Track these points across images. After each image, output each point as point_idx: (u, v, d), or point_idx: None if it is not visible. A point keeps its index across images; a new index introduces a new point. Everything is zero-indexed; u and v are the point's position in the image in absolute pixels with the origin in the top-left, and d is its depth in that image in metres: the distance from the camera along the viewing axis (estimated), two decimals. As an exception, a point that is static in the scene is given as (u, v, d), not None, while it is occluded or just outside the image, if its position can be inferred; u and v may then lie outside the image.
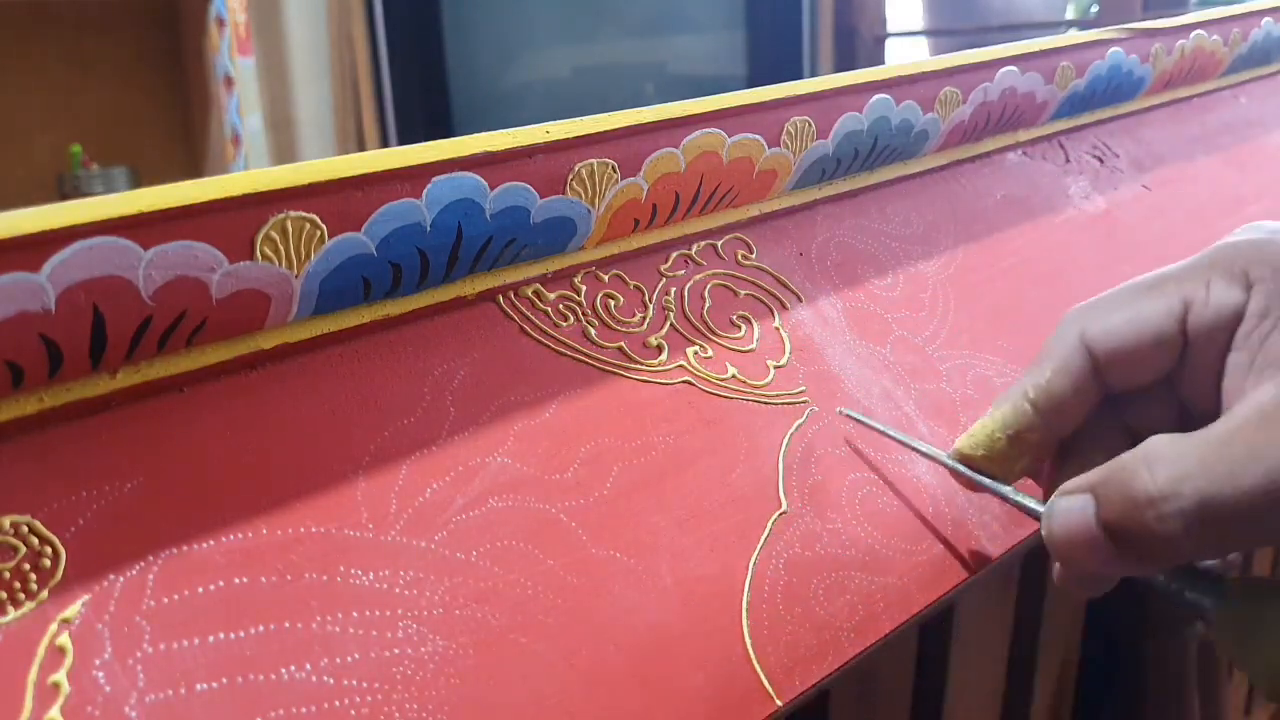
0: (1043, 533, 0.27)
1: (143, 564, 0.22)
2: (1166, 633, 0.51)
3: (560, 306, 0.31)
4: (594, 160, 0.31)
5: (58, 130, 1.51)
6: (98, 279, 0.22)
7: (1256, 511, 0.23)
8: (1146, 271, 0.29)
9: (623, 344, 0.31)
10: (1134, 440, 0.29)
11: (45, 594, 0.21)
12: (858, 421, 0.32)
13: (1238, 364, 0.26)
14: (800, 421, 0.32)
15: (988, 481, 0.29)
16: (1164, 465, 0.24)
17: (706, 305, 0.34)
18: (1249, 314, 0.26)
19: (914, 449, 0.31)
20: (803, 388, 0.33)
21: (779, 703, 0.26)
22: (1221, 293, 0.27)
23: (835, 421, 0.33)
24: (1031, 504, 0.28)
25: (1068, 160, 0.48)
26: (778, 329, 0.34)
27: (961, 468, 0.30)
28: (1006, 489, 0.29)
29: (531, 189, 0.29)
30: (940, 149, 0.43)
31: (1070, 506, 0.26)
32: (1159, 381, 0.28)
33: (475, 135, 0.28)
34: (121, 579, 0.22)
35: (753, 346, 0.34)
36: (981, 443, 0.29)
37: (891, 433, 0.31)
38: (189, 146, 1.64)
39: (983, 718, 0.43)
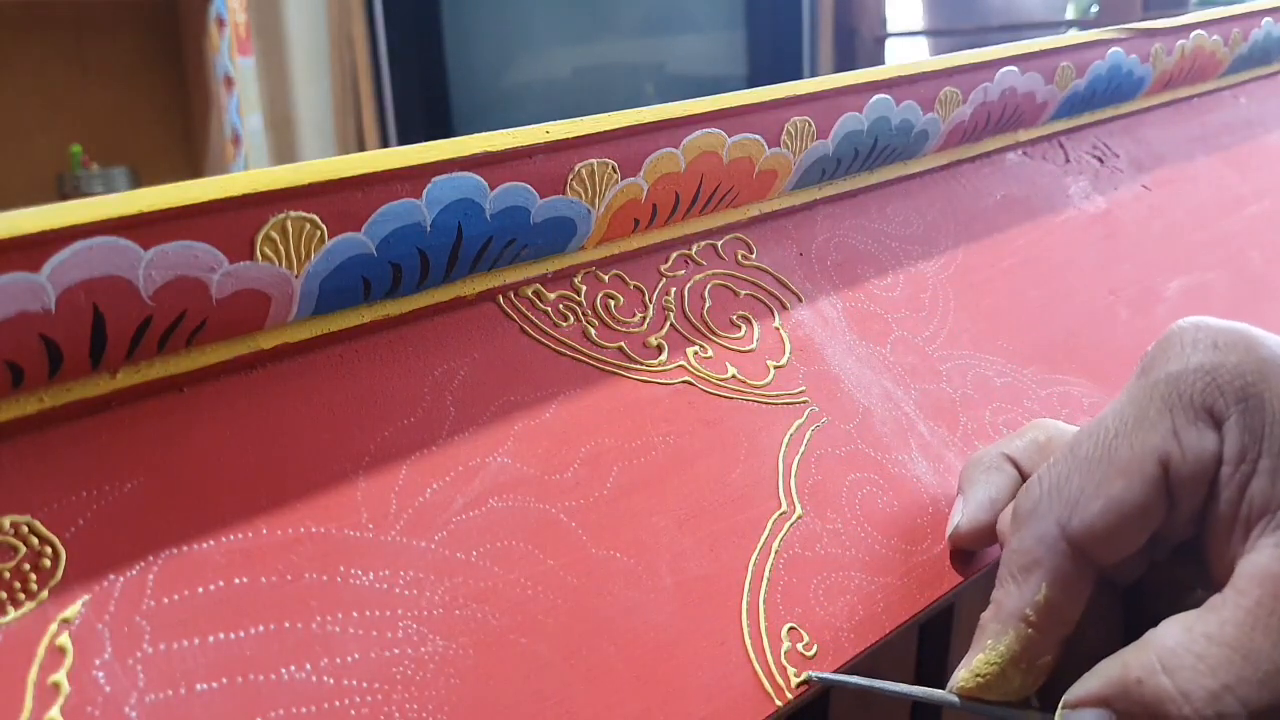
0: None
1: (143, 564, 0.22)
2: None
3: (560, 306, 0.31)
4: (594, 160, 0.31)
5: (58, 130, 1.51)
6: (98, 279, 0.22)
7: None
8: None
9: (623, 344, 0.31)
10: (1111, 589, 0.27)
11: (45, 594, 0.21)
12: (833, 682, 0.27)
13: (1223, 516, 0.24)
14: (800, 421, 0.32)
15: (1002, 711, 0.27)
16: (1190, 677, 0.23)
17: (706, 305, 0.34)
18: (1226, 458, 0.24)
19: (906, 696, 0.27)
20: (803, 388, 0.33)
21: (779, 703, 0.26)
22: (1194, 440, 0.25)
23: (835, 421, 0.33)
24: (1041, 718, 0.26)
25: (1068, 160, 0.48)
26: (778, 329, 0.34)
27: (972, 707, 0.27)
28: (1017, 713, 0.27)
29: (531, 189, 0.29)
30: (940, 149, 0.43)
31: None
32: (1143, 550, 0.26)
33: (475, 135, 0.28)
34: (121, 579, 0.22)
35: (753, 346, 0.34)
36: (993, 683, 0.26)
37: (874, 685, 0.27)
38: (189, 146, 1.64)
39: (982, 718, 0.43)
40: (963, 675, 0.27)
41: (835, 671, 0.27)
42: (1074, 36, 0.47)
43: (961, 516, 0.30)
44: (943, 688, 0.27)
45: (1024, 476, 0.29)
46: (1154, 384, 0.26)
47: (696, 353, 0.32)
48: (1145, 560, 0.27)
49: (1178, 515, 0.25)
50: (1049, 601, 0.25)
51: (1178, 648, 0.23)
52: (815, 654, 0.27)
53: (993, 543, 0.29)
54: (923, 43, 2.07)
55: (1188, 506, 0.25)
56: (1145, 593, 0.28)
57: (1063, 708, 0.25)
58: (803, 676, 0.27)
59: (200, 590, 0.23)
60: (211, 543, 0.23)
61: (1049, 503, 0.26)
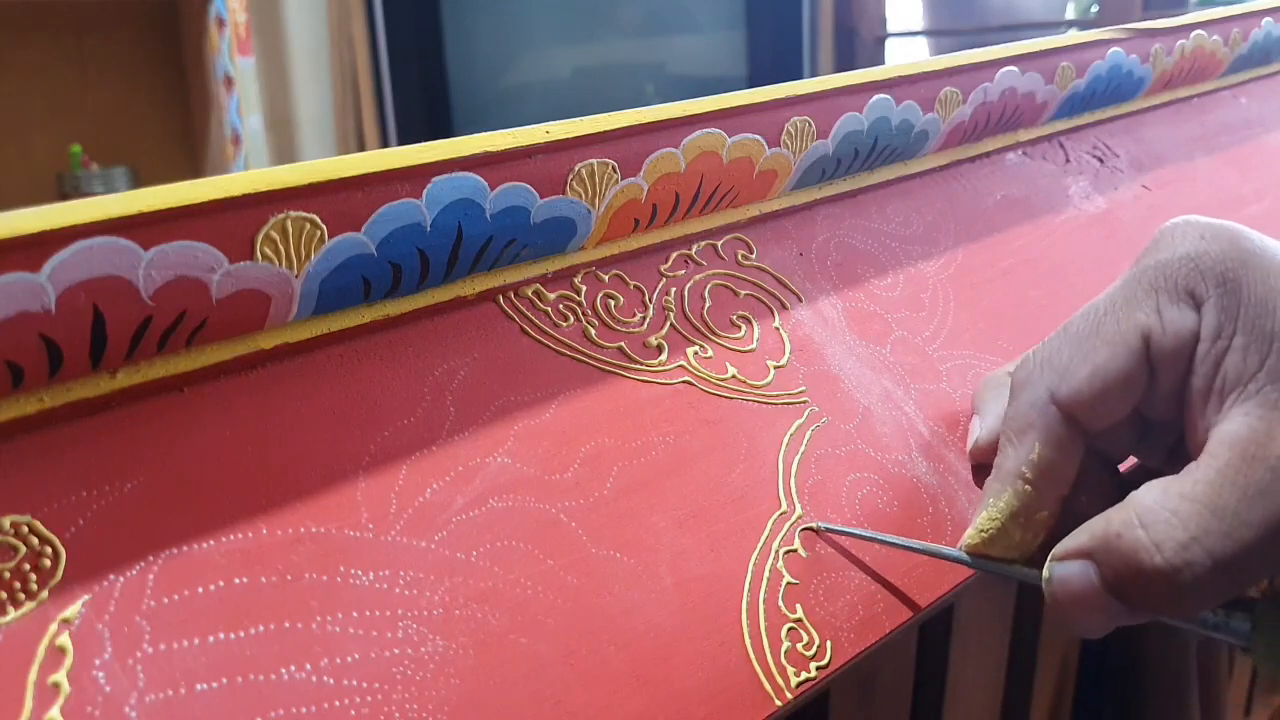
0: (1046, 598, 0.27)
1: (143, 564, 0.22)
2: (1166, 633, 0.51)
3: (560, 306, 0.31)
4: (594, 160, 0.31)
5: (58, 130, 1.51)
6: (98, 279, 0.22)
7: (1267, 552, 0.24)
8: None
9: (623, 344, 0.31)
10: (1104, 462, 0.30)
11: (45, 594, 0.21)
12: (838, 533, 0.30)
13: (1198, 389, 0.26)
14: (800, 421, 0.32)
15: (1004, 568, 0.29)
16: (1163, 530, 0.24)
17: (706, 305, 0.34)
18: (1203, 335, 0.26)
19: (913, 549, 0.30)
20: (803, 388, 0.33)
21: (779, 703, 0.26)
22: (1175, 317, 0.27)
23: (835, 421, 0.33)
24: (1033, 574, 0.28)
25: (1068, 160, 0.48)
26: (778, 329, 0.34)
27: (977, 563, 0.29)
28: (1019, 569, 0.28)
29: (531, 189, 0.29)
30: (940, 149, 0.43)
31: (1070, 573, 0.26)
32: (1132, 415, 0.28)
33: (475, 135, 0.28)
34: (121, 579, 0.22)
35: (753, 346, 0.34)
36: (995, 536, 0.28)
37: (877, 536, 0.30)
38: (189, 146, 1.64)
39: (983, 718, 0.43)
40: (969, 533, 0.29)
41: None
42: (1074, 36, 0.47)
43: (981, 430, 0.32)
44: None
45: (1011, 376, 0.31)
46: (1143, 270, 0.28)
47: (696, 353, 0.32)
48: (1133, 436, 0.29)
49: (1158, 389, 0.27)
50: (1042, 459, 0.28)
51: (1154, 505, 0.25)
52: (815, 653, 0.27)
53: None
54: (923, 43, 2.07)
55: (1167, 380, 0.27)
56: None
57: (1051, 559, 0.27)
58: (811, 525, 0.29)
59: (200, 590, 0.23)
60: (211, 543, 0.23)
61: (1040, 372, 0.28)
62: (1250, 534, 0.24)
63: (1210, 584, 0.24)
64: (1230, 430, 0.25)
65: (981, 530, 0.28)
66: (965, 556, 0.29)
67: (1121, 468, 0.31)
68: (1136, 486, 0.26)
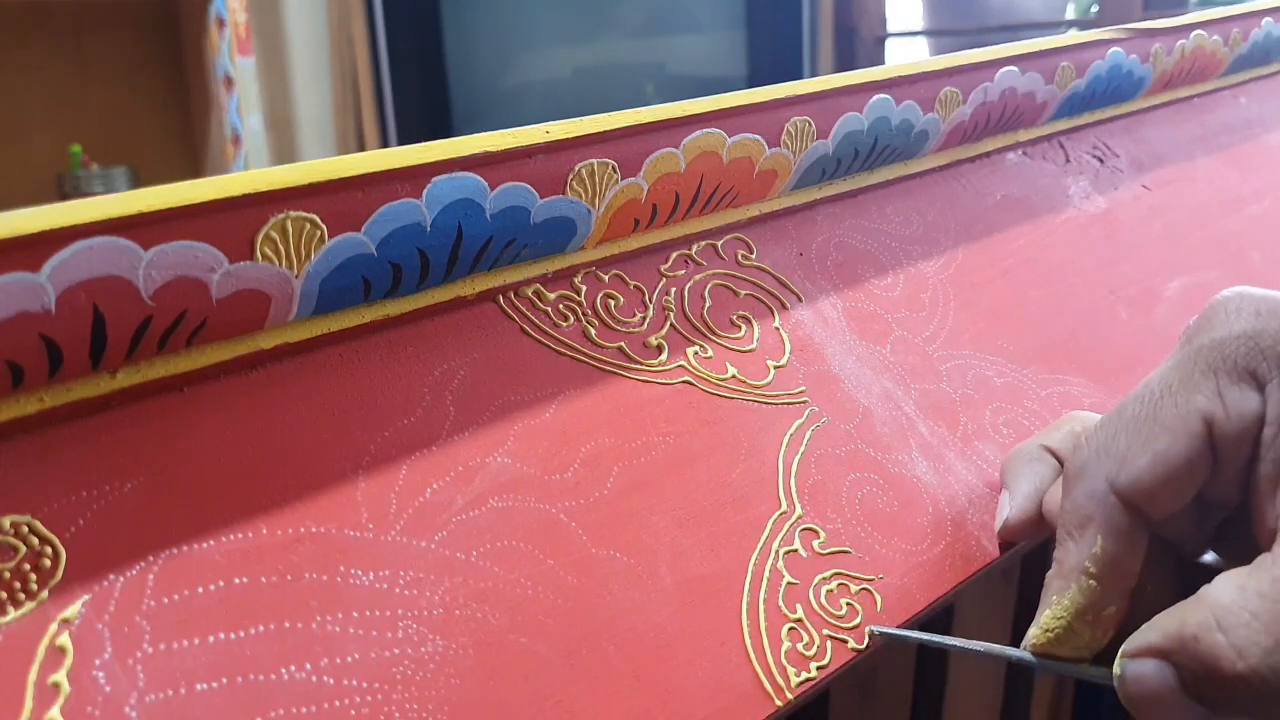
0: (1120, 697, 0.25)
1: (143, 564, 0.22)
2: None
3: (560, 306, 0.31)
4: (594, 160, 0.31)
5: (58, 130, 1.51)
6: (98, 279, 0.22)
7: None
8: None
9: (623, 344, 0.31)
10: (1165, 547, 0.28)
11: (45, 594, 0.21)
12: (896, 637, 0.28)
13: (1265, 476, 0.25)
14: (800, 421, 0.32)
15: (1072, 668, 0.27)
16: (1244, 635, 0.23)
17: (706, 305, 0.34)
18: (1269, 419, 0.25)
19: (980, 653, 0.28)
20: (803, 388, 0.33)
21: (779, 703, 0.26)
22: (1238, 401, 0.26)
23: (835, 421, 0.33)
24: (1103, 672, 0.27)
25: (1068, 160, 0.48)
26: (778, 329, 0.34)
27: (1044, 664, 0.27)
28: (1089, 670, 0.27)
29: (531, 189, 0.29)
30: (940, 149, 0.43)
31: (1145, 672, 0.25)
32: (1193, 503, 0.27)
33: (475, 135, 0.28)
34: (121, 579, 0.22)
35: (753, 346, 0.34)
36: (1061, 635, 0.27)
37: (945, 642, 0.28)
38: (189, 146, 1.64)
39: (983, 718, 0.43)
40: (1034, 633, 0.27)
41: (901, 627, 0.28)
42: (1074, 36, 0.47)
43: (1010, 509, 0.31)
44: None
45: (1064, 466, 0.30)
46: (1198, 349, 0.26)
47: (696, 353, 0.32)
48: (1198, 525, 0.28)
49: (1223, 475, 0.26)
50: (1105, 552, 0.26)
51: (1232, 605, 0.24)
52: (815, 653, 0.27)
53: (1044, 532, 0.30)
54: (923, 43, 2.07)
55: (1232, 466, 0.26)
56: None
57: (1122, 656, 0.25)
58: (867, 630, 0.28)
59: (200, 590, 0.23)
60: (211, 543, 0.23)
61: (1097, 461, 0.27)
62: None
63: None
64: None
65: (1047, 630, 0.27)
66: (1032, 659, 0.27)
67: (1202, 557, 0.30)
68: (1196, 569, 0.25)
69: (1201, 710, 0.24)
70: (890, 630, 0.28)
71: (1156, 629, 0.25)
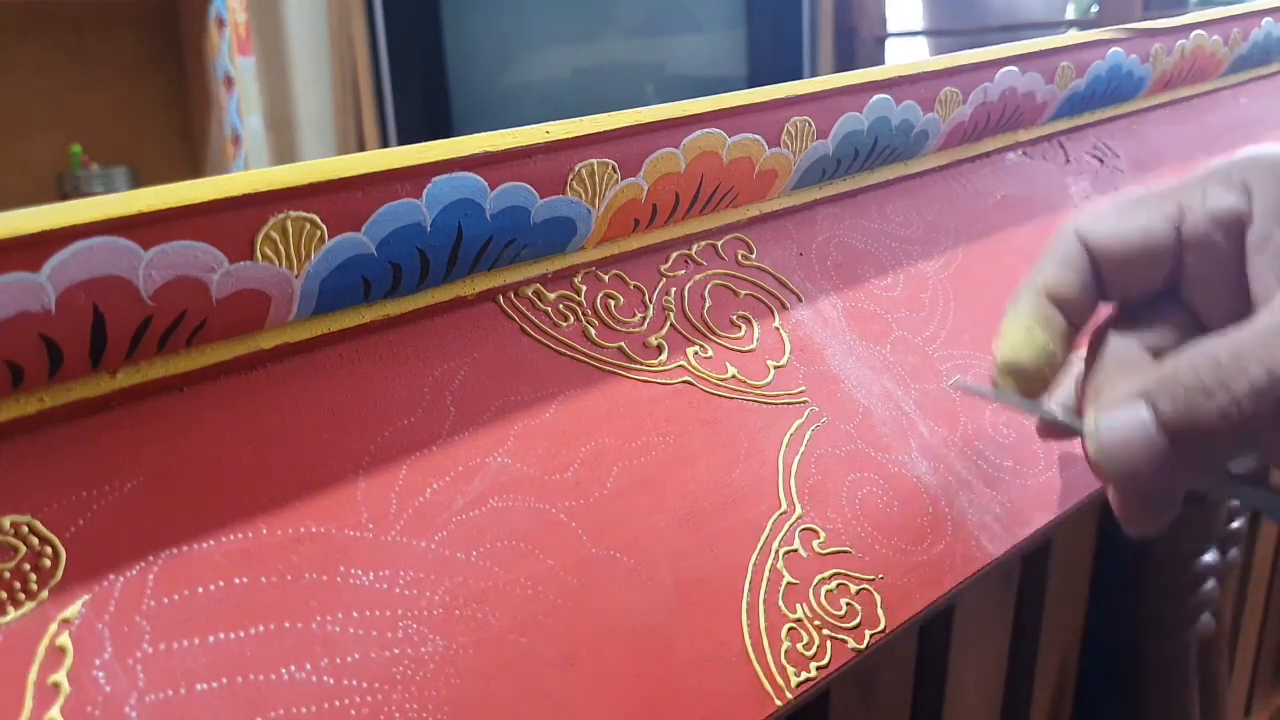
0: (1090, 450, 0.26)
1: (143, 564, 0.22)
2: (1166, 633, 0.51)
3: (560, 306, 0.31)
4: (594, 160, 0.31)
5: (58, 130, 1.51)
6: (98, 279, 0.22)
7: None
8: None
9: (623, 344, 0.31)
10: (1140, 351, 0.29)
11: (45, 594, 0.21)
12: (970, 390, 0.30)
13: (1264, 265, 0.26)
14: (800, 421, 0.32)
15: (1046, 410, 0.29)
16: (1223, 350, 0.24)
17: (706, 305, 0.34)
18: (1259, 215, 0.26)
19: (1030, 410, 0.30)
20: (803, 388, 0.33)
21: (779, 703, 0.26)
22: (1218, 197, 0.27)
23: (835, 421, 0.33)
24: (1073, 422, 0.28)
25: (1068, 160, 0.48)
26: (778, 329, 0.34)
27: (1007, 397, 0.29)
28: (1050, 411, 0.29)
29: (531, 189, 0.29)
30: (940, 149, 0.43)
31: (1120, 415, 0.25)
32: (1165, 296, 0.28)
33: (475, 135, 0.28)
34: (121, 579, 0.22)
35: (753, 346, 0.34)
36: (1022, 343, 0.29)
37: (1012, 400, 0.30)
38: (189, 146, 1.64)
39: (983, 718, 0.43)
40: (1002, 348, 0.29)
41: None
42: (1074, 36, 0.47)
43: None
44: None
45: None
46: (1209, 166, 0.29)
47: (696, 353, 0.32)
48: (1174, 327, 0.29)
49: (1194, 271, 0.28)
50: (1059, 279, 0.29)
51: (1213, 339, 0.24)
52: (815, 653, 0.27)
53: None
54: (923, 43, 2.07)
55: (1203, 263, 0.27)
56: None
57: (1094, 408, 0.26)
58: (953, 381, 0.31)
59: (200, 590, 0.23)
60: (211, 543, 0.23)
61: (1083, 219, 0.29)
62: None
63: (1268, 401, 0.23)
64: None
65: (1009, 340, 0.29)
66: (992, 391, 0.30)
67: None
68: None
69: (1172, 451, 0.24)
70: (968, 384, 0.32)
71: (1136, 375, 0.26)
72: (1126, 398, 0.25)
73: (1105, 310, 0.30)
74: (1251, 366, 0.23)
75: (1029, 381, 0.29)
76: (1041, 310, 0.29)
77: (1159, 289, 0.28)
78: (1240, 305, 0.27)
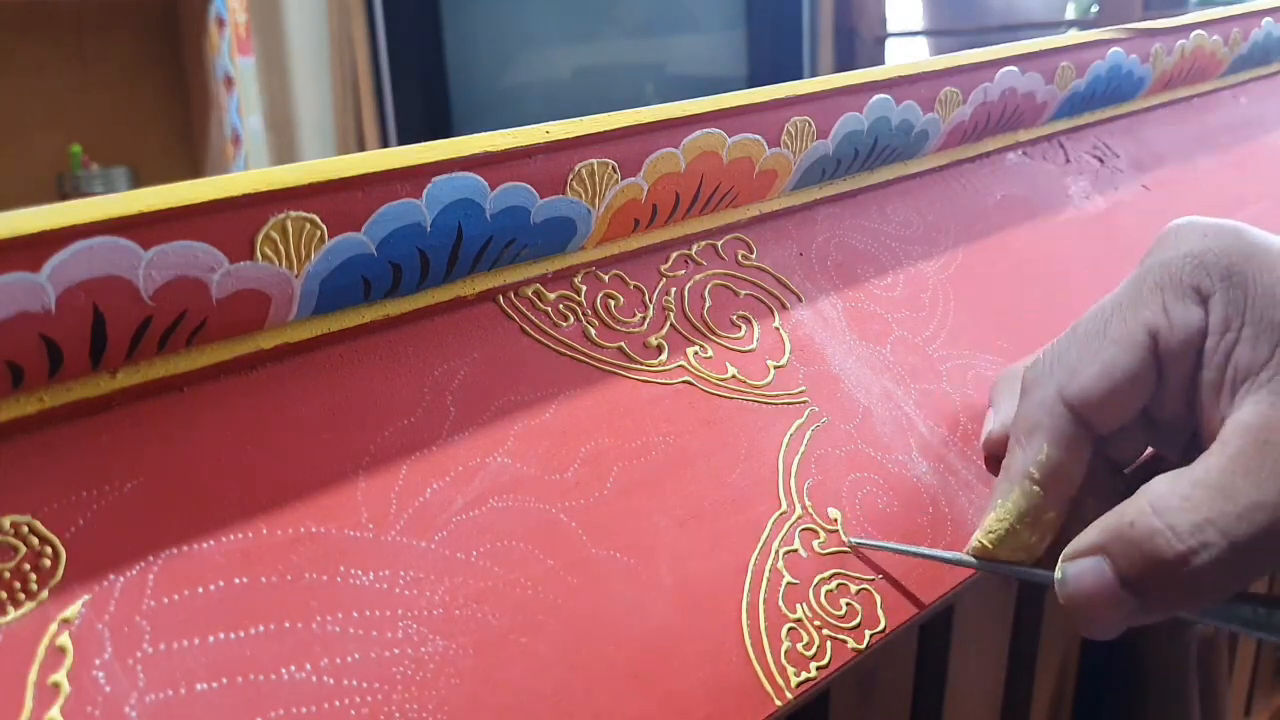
0: (1059, 599, 0.26)
1: (143, 564, 0.22)
2: (1166, 633, 0.51)
3: (560, 306, 0.31)
4: (594, 160, 0.31)
5: (58, 130, 1.51)
6: (98, 279, 0.22)
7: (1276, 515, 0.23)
8: None
9: (623, 344, 0.31)
10: (1112, 468, 0.30)
11: (45, 594, 0.21)
12: (871, 547, 0.30)
13: (1210, 382, 0.26)
14: (800, 421, 0.32)
15: (1015, 570, 0.29)
16: (1177, 515, 0.24)
17: (706, 305, 0.34)
18: (1211, 329, 0.26)
19: (932, 558, 0.30)
20: (803, 388, 0.33)
21: (779, 703, 0.26)
22: (1181, 314, 0.27)
23: (835, 421, 0.33)
24: (1044, 574, 0.28)
25: (1068, 160, 0.48)
26: (778, 329, 0.34)
27: (988, 566, 0.29)
28: (1029, 571, 0.29)
29: (531, 189, 0.29)
30: (940, 149, 0.43)
31: (1083, 570, 0.26)
32: (1140, 417, 0.28)
33: (475, 135, 0.28)
34: (121, 579, 0.22)
35: (753, 346, 0.34)
36: (1003, 538, 0.28)
37: (905, 549, 0.30)
38: (189, 146, 1.64)
39: (983, 718, 0.43)
40: (977, 536, 0.29)
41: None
42: (1074, 36, 0.47)
43: (994, 424, 0.32)
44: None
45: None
46: (1148, 269, 0.28)
47: (696, 353, 0.32)
48: (1142, 440, 0.29)
49: (1166, 387, 0.28)
50: (1050, 459, 0.28)
51: (1166, 493, 0.25)
52: (815, 653, 0.27)
53: None
54: (923, 43, 2.07)
55: (1175, 378, 0.27)
56: None
57: (1062, 560, 0.26)
58: (847, 540, 0.30)
59: (200, 590, 0.23)
60: (211, 543, 0.23)
61: (1049, 372, 0.29)
62: (1264, 516, 0.23)
63: (1226, 568, 0.24)
64: (1242, 418, 0.25)
65: (990, 532, 0.29)
66: (973, 561, 0.29)
67: (1135, 464, 0.31)
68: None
69: (1137, 603, 0.25)
70: (864, 541, 0.30)
71: (1095, 528, 0.26)
72: (1086, 550, 0.26)
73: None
74: (1211, 537, 0.24)
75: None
76: (1032, 504, 0.28)
77: (1136, 415, 0.28)
78: (1187, 411, 0.28)
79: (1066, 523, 0.28)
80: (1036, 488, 0.28)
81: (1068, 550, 0.26)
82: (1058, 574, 0.26)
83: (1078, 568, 0.26)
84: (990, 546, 0.29)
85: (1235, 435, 0.25)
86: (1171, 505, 0.24)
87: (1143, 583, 0.25)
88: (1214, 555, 0.24)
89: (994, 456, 0.33)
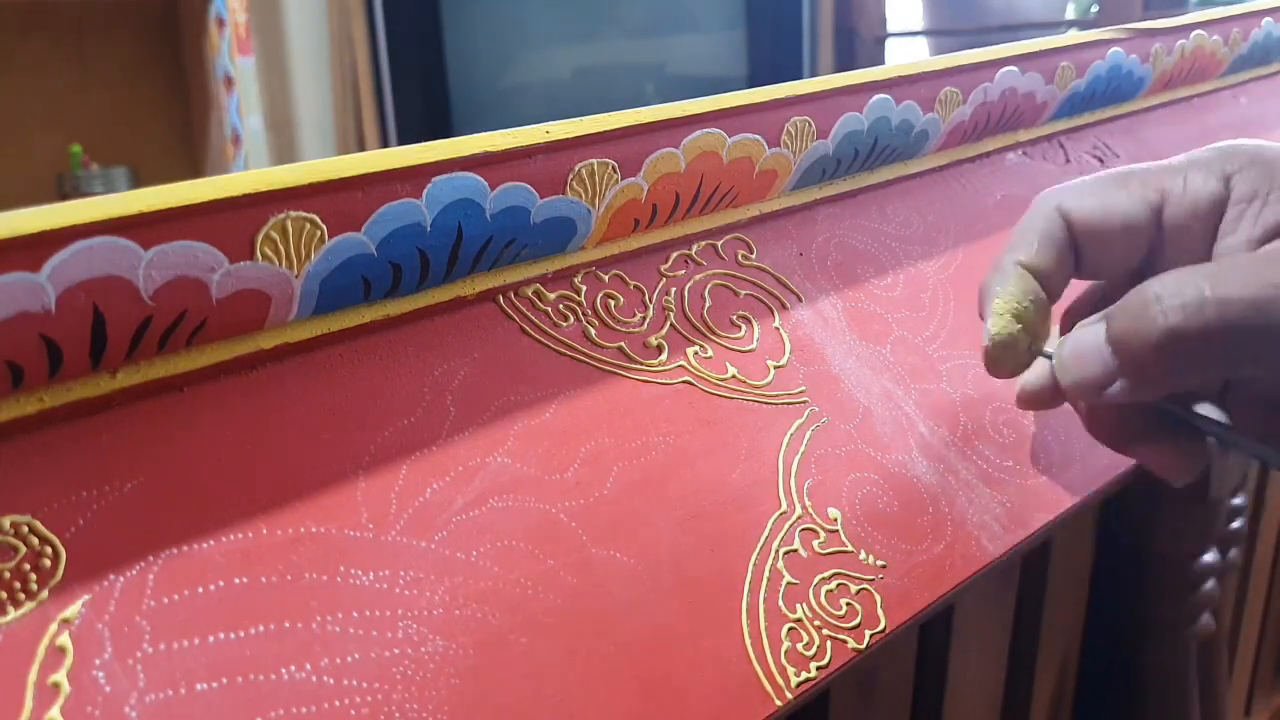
0: (1055, 369, 0.28)
1: (143, 564, 0.22)
2: (1166, 633, 0.51)
3: (560, 306, 0.31)
4: (594, 160, 0.31)
5: (58, 130, 1.51)
6: (98, 279, 0.22)
7: (1260, 312, 0.24)
8: None
9: (623, 344, 0.31)
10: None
11: (45, 594, 0.21)
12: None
13: (1232, 247, 0.28)
14: (800, 421, 0.32)
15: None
16: (1171, 280, 0.25)
17: (706, 305, 0.34)
18: (1234, 200, 0.28)
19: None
20: (803, 388, 0.33)
21: (779, 703, 0.26)
22: (1199, 184, 0.28)
23: (835, 421, 0.33)
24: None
25: (1068, 160, 0.48)
26: (778, 329, 0.34)
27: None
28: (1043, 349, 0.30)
29: (531, 189, 0.29)
30: (940, 149, 0.43)
31: (1083, 334, 0.27)
32: (1136, 275, 0.29)
33: (475, 135, 0.28)
34: (121, 579, 0.22)
35: (753, 346, 0.34)
36: (1011, 312, 0.29)
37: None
38: (189, 146, 1.64)
39: (983, 718, 0.43)
40: (991, 325, 0.29)
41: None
42: (1074, 36, 0.47)
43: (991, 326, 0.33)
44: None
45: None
46: (1188, 154, 0.30)
47: (696, 353, 0.32)
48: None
49: (1169, 255, 0.29)
50: (1040, 254, 0.29)
51: (1172, 277, 0.26)
52: (815, 653, 0.27)
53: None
54: (923, 43, 2.07)
55: (1178, 248, 0.29)
56: None
57: (1072, 333, 0.28)
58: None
59: (200, 590, 0.23)
60: (211, 543, 0.23)
61: (1061, 193, 0.30)
62: (1250, 291, 0.24)
63: (1194, 323, 0.24)
64: (1264, 248, 0.26)
65: (997, 316, 0.29)
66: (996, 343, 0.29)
67: None
68: None
69: (1115, 365, 0.26)
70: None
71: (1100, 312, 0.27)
72: (1096, 318, 0.27)
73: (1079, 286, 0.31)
74: (1189, 288, 0.25)
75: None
76: (1022, 287, 0.29)
77: (1131, 268, 0.29)
78: None
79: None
80: (1026, 272, 0.29)
81: (1079, 325, 0.28)
82: (1057, 344, 0.28)
83: (1078, 331, 0.27)
84: (1003, 333, 0.29)
85: (1247, 251, 0.26)
86: (1171, 276, 0.25)
87: (1125, 338, 0.26)
88: (1184, 300, 0.24)
89: (994, 361, 0.32)
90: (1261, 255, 0.26)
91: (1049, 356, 0.29)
